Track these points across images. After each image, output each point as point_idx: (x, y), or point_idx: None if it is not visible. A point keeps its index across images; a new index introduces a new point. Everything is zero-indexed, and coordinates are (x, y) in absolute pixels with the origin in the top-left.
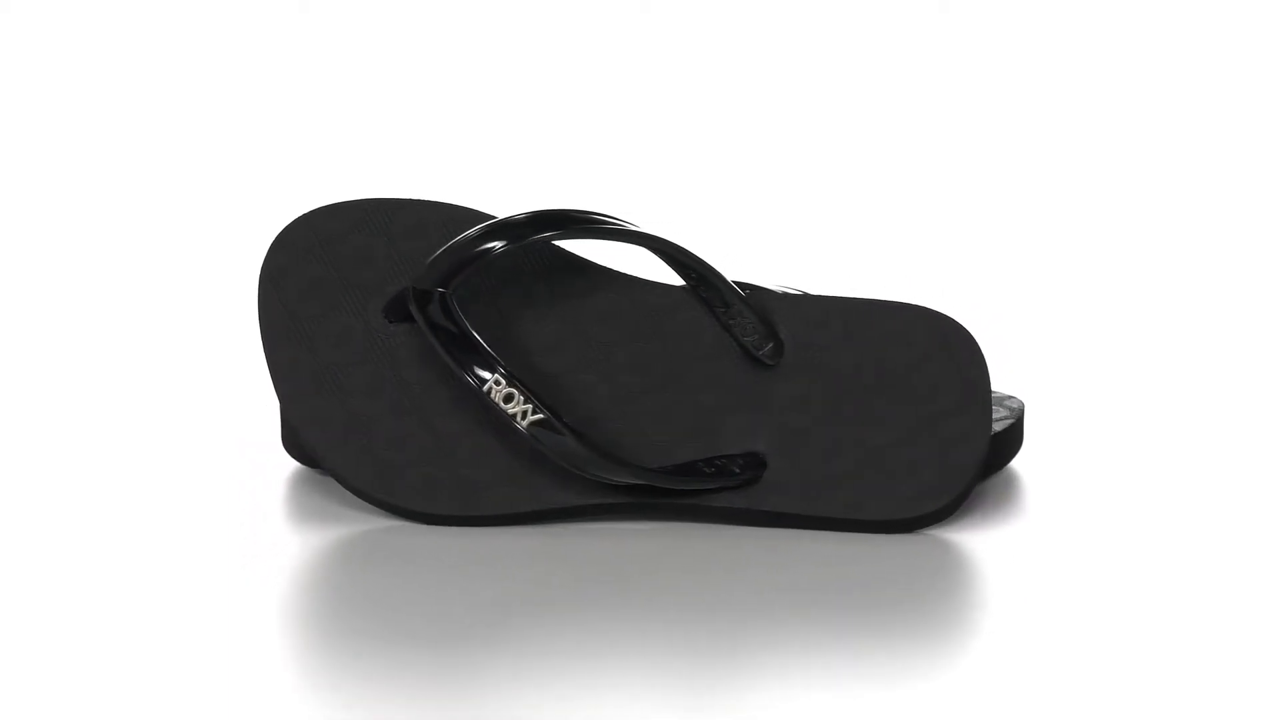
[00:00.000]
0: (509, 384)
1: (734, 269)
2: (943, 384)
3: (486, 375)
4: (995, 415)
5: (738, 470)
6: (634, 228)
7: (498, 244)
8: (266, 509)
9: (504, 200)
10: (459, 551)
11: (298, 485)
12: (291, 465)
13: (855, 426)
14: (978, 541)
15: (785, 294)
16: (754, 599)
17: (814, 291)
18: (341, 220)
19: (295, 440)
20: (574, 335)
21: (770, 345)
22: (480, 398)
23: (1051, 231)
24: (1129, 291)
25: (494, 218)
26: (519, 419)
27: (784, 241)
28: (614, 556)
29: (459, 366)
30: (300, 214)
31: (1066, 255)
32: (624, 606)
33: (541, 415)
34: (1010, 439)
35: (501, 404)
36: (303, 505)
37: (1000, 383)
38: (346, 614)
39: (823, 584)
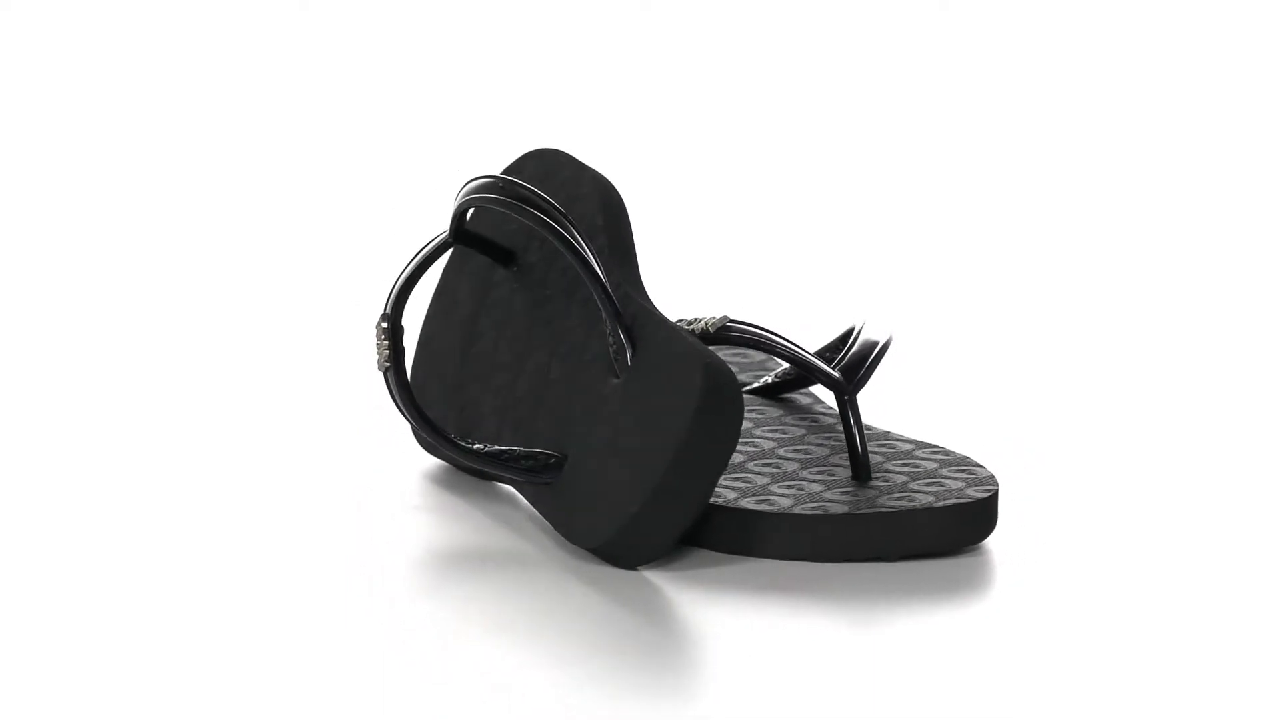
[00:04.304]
0: (382, 329)
1: (729, 270)
2: (670, 436)
3: (381, 315)
4: (908, 495)
5: (536, 469)
6: (547, 213)
7: (456, 207)
8: (276, 508)
9: None
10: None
11: (298, 482)
12: (289, 462)
13: (605, 452)
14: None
15: (669, 321)
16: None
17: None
18: (549, 166)
19: None
20: (531, 303)
21: (622, 358)
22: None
23: (1053, 241)
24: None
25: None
26: (380, 360)
27: (780, 243)
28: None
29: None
30: (544, 148)
31: (1071, 277)
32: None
33: (389, 365)
34: (940, 520)
35: (375, 342)
36: (304, 506)
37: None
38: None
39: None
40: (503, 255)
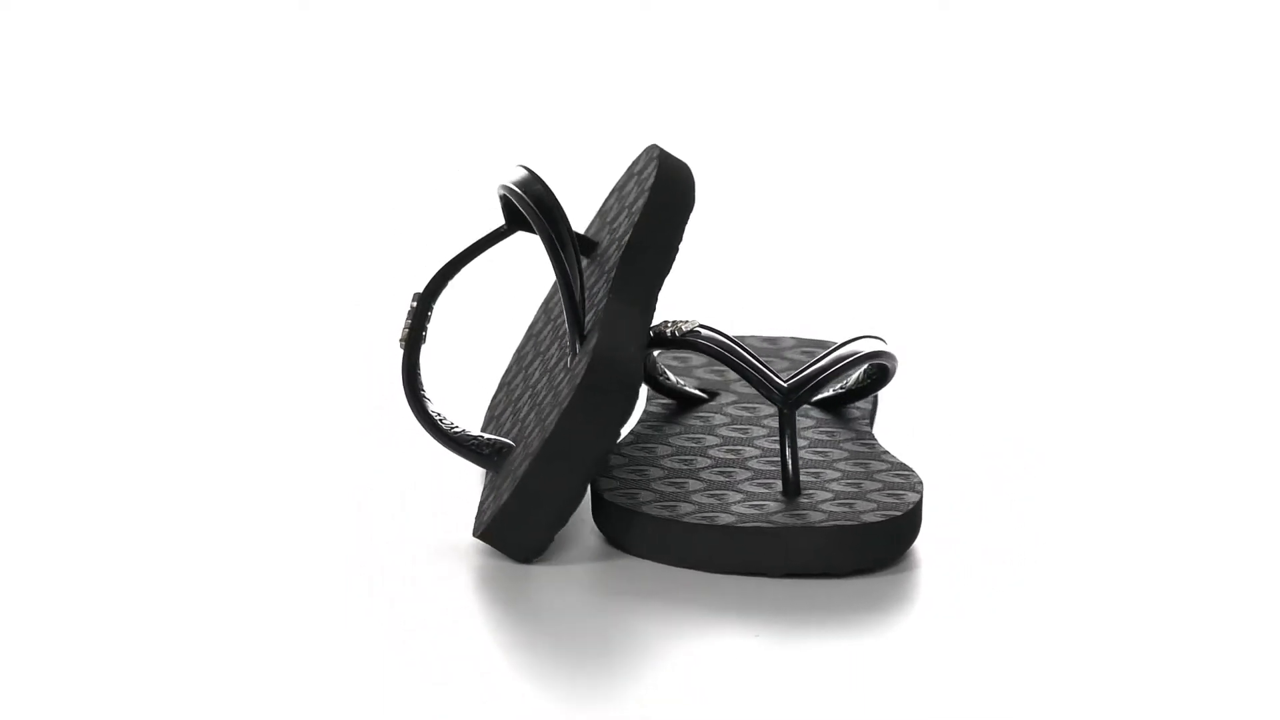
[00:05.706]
0: (412, 307)
1: (724, 270)
2: (548, 427)
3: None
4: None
5: (489, 455)
6: (547, 213)
7: (500, 195)
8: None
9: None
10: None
11: (297, 490)
12: (290, 462)
13: (524, 443)
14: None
15: (630, 322)
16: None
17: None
18: (649, 159)
19: None
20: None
21: (576, 351)
22: None
23: (1048, 244)
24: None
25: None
26: (401, 333)
27: (774, 244)
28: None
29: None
30: (653, 146)
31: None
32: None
33: (404, 341)
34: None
35: (404, 319)
36: (305, 513)
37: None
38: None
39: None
40: (587, 245)
